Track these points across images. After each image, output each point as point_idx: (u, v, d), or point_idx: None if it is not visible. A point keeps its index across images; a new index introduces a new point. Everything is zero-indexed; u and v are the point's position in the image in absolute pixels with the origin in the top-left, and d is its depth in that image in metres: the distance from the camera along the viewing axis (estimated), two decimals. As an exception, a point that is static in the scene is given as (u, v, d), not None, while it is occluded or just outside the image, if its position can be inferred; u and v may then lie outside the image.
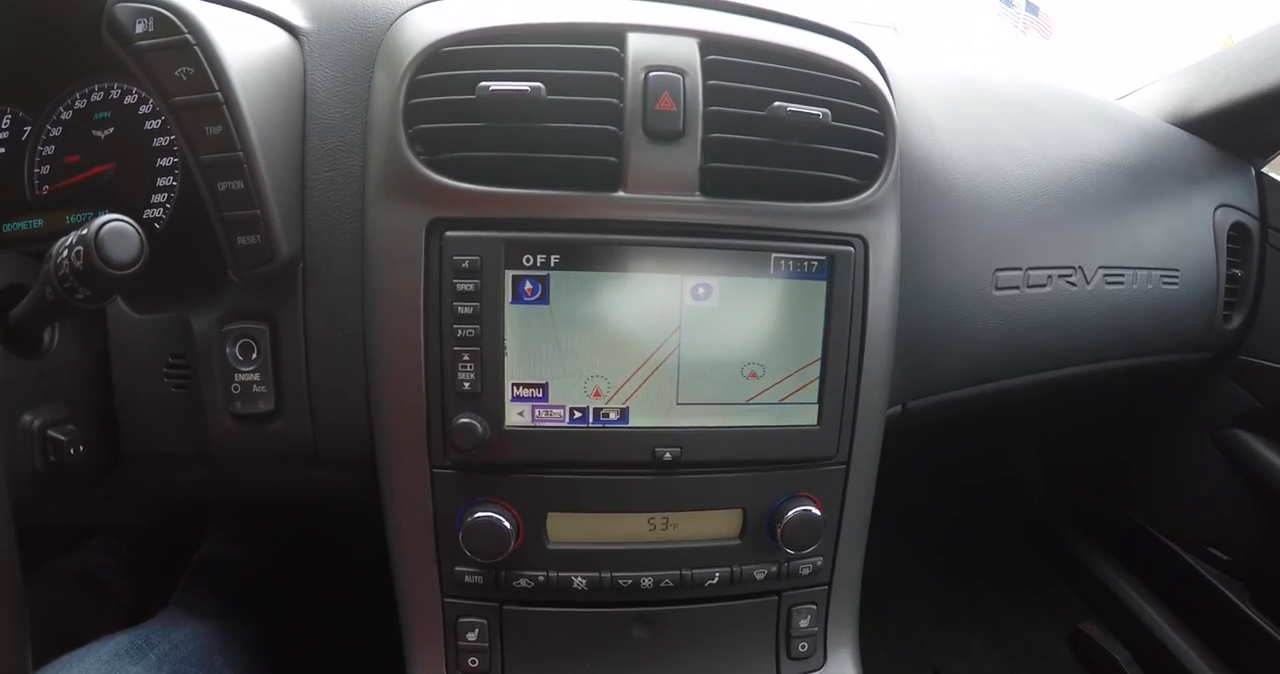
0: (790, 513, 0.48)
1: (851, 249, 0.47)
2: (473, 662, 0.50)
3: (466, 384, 0.45)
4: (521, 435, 0.46)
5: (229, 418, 0.46)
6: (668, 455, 0.46)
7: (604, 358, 0.45)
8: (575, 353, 0.45)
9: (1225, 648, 0.88)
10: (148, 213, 0.50)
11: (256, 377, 0.46)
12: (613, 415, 0.46)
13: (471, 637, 0.50)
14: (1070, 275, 0.64)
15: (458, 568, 0.48)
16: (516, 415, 0.46)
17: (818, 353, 0.47)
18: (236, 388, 0.46)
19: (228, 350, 0.45)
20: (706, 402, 0.47)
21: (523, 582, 0.48)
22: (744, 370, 0.47)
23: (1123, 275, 0.67)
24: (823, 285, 0.47)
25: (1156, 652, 0.91)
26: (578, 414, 0.46)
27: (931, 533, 1.14)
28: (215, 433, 0.47)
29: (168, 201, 0.50)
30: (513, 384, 0.45)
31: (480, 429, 0.45)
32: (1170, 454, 0.91)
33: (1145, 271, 0.69)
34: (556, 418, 0.46)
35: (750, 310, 0.46)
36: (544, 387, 0.46)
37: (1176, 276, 0.71)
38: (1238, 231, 0.77)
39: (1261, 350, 0.80)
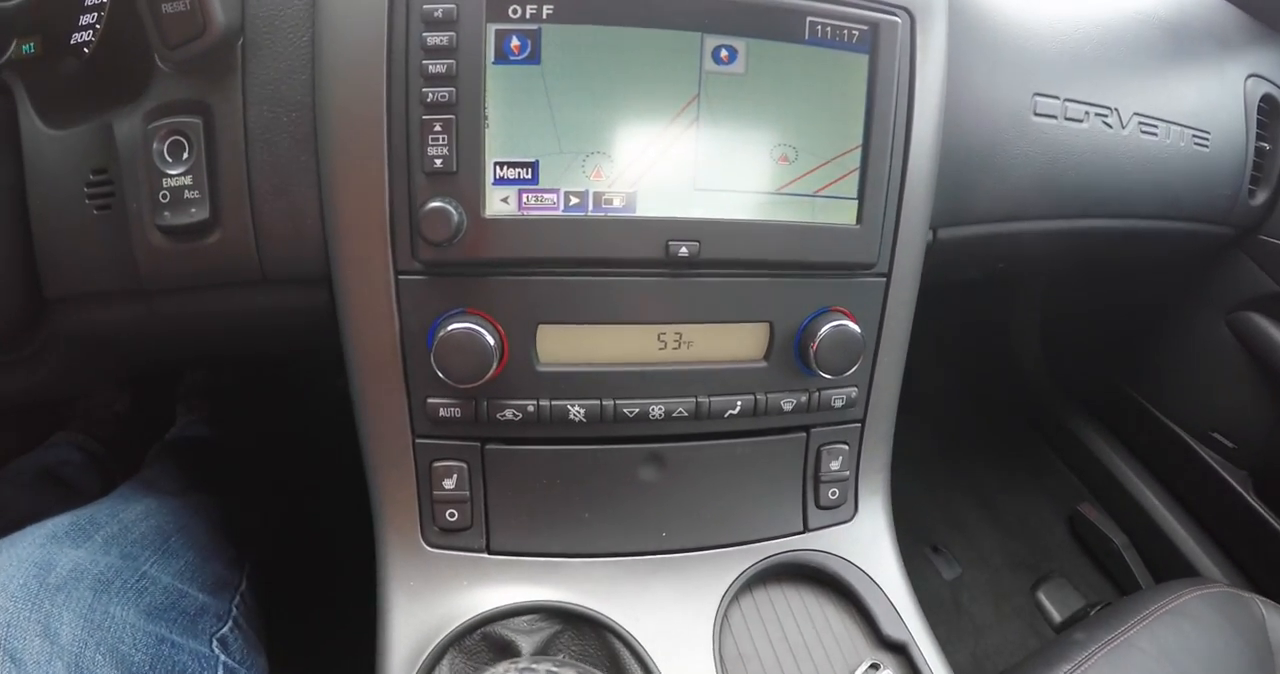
0: (824, 328, 0.41)
1: (898, 20, 0.40)
2: (451, 515, 0.43)
3: (439, 161, 0.37)
4: (505, 226, 0.38)
5: (157, 234, 0.40)
6: (683, 251, 0.39)
7: (608, 131, 0.38)
8: (572, 125, 0.37)
9: (1224, 536, 0.87)
10: (76, 37, 0.43)
11: (188, 179, 0.39)
12: (617, 201, 0.39)
13: (449, 484, 0.42)
14: (1107, 116, 0.60)
15: (431, 399, 0.41)
16: (499, 201, 0.38)
17: (859, 139, 0.41)
18: (165, 195, 0.39)
19: (154, 148, 0.39)
20: (730, 188, 0.40)
21: (508, 413, 0.41)
22: (774, 153, 0.40)
23: (1156, 127, 0.64)
24: (864, 59, 0.40)
25: (1154, 536, 0.90)
26: (575, 200, 0.38)
27: (930, 410, 1.11)
28: (142, 253, 0.40)
29: (97, 23, 0.43)
30: (495, 163, 0.37)
31: (455, 217, 0.37)
32: (1180, 335, 0.88)
33: (1179, 128, 0.66)
34: (549, 205, 0.38)
35: (781, 81, 0.39)
36: (533, 166, 0.38)
37: (1207, 139, 0.69)
38: (1268, 104, 0.75)
39: (1283, 232, 0.77)
